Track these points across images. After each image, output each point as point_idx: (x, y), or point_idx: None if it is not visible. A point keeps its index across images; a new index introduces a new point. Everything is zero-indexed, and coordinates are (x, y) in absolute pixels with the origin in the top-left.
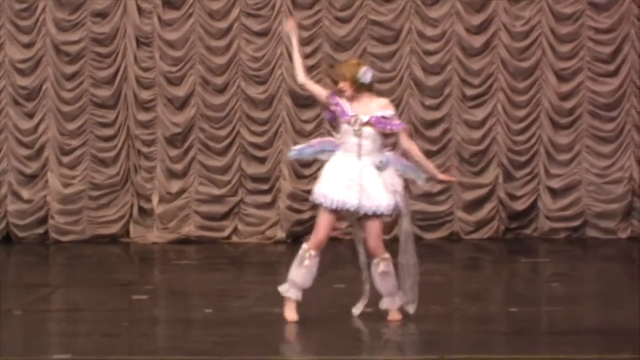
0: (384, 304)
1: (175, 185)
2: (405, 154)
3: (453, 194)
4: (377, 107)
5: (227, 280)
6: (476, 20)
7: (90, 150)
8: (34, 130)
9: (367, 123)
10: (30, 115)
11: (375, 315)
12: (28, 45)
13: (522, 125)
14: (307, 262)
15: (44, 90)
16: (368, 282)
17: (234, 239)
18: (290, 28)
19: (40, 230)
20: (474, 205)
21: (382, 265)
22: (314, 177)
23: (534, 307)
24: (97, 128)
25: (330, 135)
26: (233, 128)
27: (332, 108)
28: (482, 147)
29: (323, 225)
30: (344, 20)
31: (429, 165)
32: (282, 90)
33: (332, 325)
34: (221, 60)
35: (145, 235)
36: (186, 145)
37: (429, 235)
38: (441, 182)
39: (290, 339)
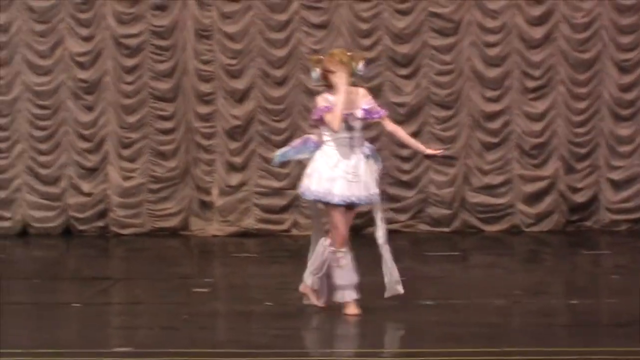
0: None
1: (235, 178)
2: (392, 136)
3: (514, 186)
4: (361, 99)
5: (287, 273)
6: (536, 11)
7: (150, 144)
8: (94, 124)
9: (359, 117)
10: (90, 109)
11: (436, 308)
12: (88, 39)
13: (583, 117)
14: (343, 261)
15: (103, 83)
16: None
17: (294, 231)
18: (340, 82)
19: (100, 224)
20: (534, 198)
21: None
22: None
23: (595, 300)
24: (157, 121)
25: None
26: (293, 120)
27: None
28: (542, 139)
29: (340, 222)
30: (404, 12)
31: (416, 142)
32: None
33: (391, 318)
34: (281, 52)
35: (205, 228)
36: (246, 138)
37: (489, 228)
38: (429, 156)
39: (349, 332)
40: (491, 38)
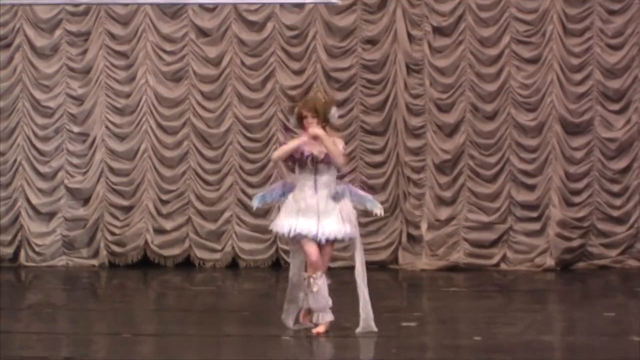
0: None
1: (444, 212)
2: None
3: None
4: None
5: (496, 307)
6: None
7: (360, 177)
8: None
9: (322, 161)
10: None
11: None
12: (298, 72)
13: None
14: (315, 287)
15: None
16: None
17: (503, 266)
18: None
19: None
20: None
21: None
22: (584, 204)
23: None
24: (367, 154)
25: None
26: (503, 155)
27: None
28: None
29: (311, 250)
30: (616, 47)
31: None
32: (552, 117)
33: (602, 353)
34: (491, 87)
35: (414, 262)
36: (455, 172)
37: None
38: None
39: None
40: None
